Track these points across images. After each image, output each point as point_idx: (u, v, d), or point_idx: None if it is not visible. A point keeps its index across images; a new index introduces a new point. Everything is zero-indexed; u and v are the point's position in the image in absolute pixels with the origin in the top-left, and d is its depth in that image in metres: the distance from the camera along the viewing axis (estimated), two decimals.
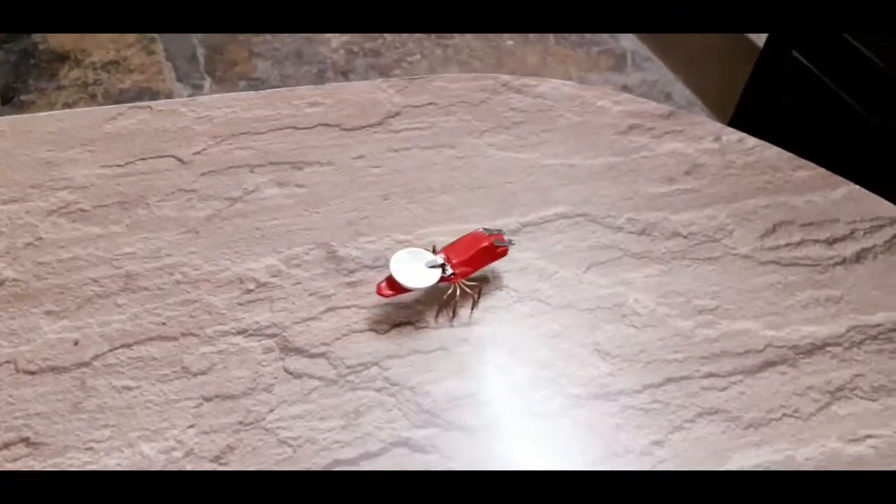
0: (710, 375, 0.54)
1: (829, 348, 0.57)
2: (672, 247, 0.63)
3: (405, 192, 0.65)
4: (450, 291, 0.56)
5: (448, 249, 0.57)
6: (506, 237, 0.58)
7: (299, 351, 0.53)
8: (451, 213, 0.63)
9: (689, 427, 0.51)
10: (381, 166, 0.67)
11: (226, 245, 0.59)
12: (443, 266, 0.55)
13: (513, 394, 0.52)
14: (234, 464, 0.47)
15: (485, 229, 0.58)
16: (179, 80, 1.88)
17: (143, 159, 0.65)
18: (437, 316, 0.56)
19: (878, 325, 0.58)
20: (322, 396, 0.51)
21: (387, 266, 0.59)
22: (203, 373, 0.51)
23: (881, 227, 0.66)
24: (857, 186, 0.69)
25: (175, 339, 0.53)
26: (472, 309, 0.56)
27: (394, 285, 0.54)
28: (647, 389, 0.53)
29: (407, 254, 0.56)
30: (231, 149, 0.66)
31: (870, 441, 0.52)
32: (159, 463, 0.47)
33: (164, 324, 0.54)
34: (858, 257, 0.64)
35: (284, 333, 0.54)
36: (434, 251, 0.57)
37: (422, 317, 0.56)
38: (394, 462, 0.48)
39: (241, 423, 0.49)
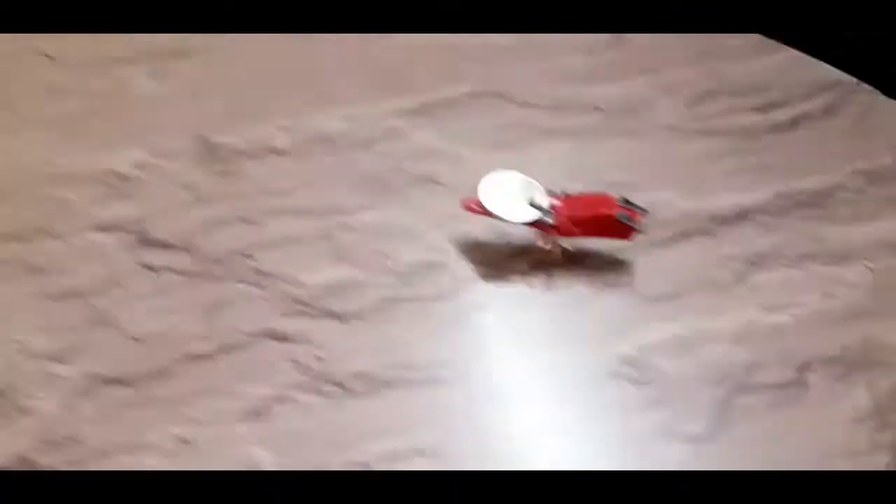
0: (617, 249, 0.49)
1: (753, 216, 0.51)
2: (588, 122, 0.57)
3: (291, 76, 0.59)
4: (540, 242, 0.47)
5: (567, 199, 0.47)
6: (642, 218, 0.46)
7: (160, 244, 0.48)
8: (340, 94, 0.58)
9: (589, 303, 0.47)
10: (266, 52, 0.61)
11: (92, 140, 0.54)
12: (545, 211, 0.46)
13: (395, 280, 0.47)
14: (80, 363, 0.42)
15: (625, 200, 0.46)
16: None
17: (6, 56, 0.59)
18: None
19: (810, 190, 0.53)
20: (181, 289, 0.46)
21: (266, 154, 0.54)
22: (55, 271, 0.47)
23: (821, 91, 0.60)
24: (795, 51, 0.63)
25: (29, 239, 0.48)
26: (552, 269, 0.47)
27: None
28: None
29: (518, 181, 0.47)
30: (102, 40, 0.60)
31: (792, 310, 0.47)
32: None
33: (17, 224, 0.49)
34: (794, 123, 0.58)
35: (146, 227, 0.49)
36: (556, 194, 0.47)
37: (298, 202, 0.51)
38: (255, 353, 0.43)
39: (91, 320, 0.44)
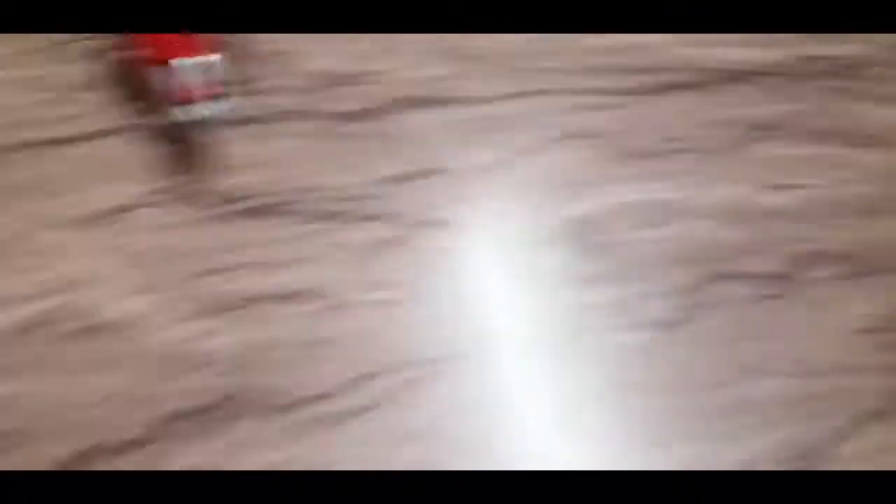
0: (594, 92, 0.39)
1: (764, 77, 0.41)
2: None
3: None
4: None
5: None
6: (215, 103, 0.32)
7: None
8: None
9: (550, 148, 0.37)
10: None
11: None
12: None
13: None
14: None
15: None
16: None
17: None
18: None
19: (844, 58, 0.43)
20: None
21: None
22: None
23: None
24: None
25: None
26: None
27: None
28: (509, 98, 0.38)
29: None
30: None
31: (797, 192, 0.37)
32: None
33: None
34: None
35: None
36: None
37: None
38: None
39: None
